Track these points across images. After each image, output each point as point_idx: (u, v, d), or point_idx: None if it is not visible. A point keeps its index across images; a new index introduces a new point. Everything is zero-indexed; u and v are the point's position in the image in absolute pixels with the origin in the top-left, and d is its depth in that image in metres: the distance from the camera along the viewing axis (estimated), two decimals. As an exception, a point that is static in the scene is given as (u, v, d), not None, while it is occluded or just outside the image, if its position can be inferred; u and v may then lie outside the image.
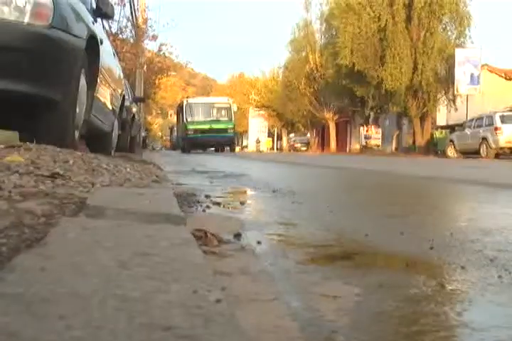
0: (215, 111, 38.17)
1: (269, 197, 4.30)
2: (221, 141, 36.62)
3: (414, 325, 1.32)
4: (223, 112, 38.23)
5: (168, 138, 78.66)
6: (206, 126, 36.14)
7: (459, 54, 31.58)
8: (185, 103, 38.48)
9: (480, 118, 25.21)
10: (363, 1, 33.19)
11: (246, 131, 73.08)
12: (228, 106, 38.66)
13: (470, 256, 2.09)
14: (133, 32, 28.00)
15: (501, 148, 23.40)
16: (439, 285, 1.66)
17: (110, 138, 8.83)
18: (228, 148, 38.87)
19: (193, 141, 36.13)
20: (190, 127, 36.24)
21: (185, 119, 37.15)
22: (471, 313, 1.43)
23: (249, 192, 4.86)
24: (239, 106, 54.36)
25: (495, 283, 1.70)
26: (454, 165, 13.30)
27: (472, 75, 31.25)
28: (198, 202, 3.70)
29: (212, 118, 37.32)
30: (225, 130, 36.75)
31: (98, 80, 6.11)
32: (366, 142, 41.48)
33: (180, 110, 40.56)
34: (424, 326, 1.31)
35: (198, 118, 37.05)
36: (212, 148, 40.57)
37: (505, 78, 35.24)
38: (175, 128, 57.48)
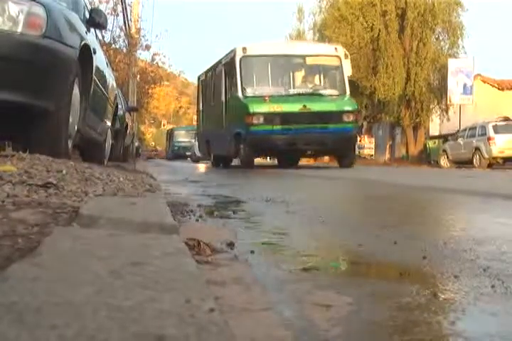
0: (308, 72, 18.42)
1: (262, 207, 4.30)
2: (330, 142, 15.90)
3: (407, 334, 1.32)
4: (328, 77, 18.42)
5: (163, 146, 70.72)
6: (294, 107, 16.11)
7: (452, 64, 31.69)
8: (238, 54, 17.40)
9: (473, 128, 25.29)
10: (355, 11, 33.29)
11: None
12: (337, 63, 17.86)
13: (463, 265, 2.09)
14: (126, 42, 28.00)
15: (494, 158, 23.48)
16: (432, 294, 1.66)
17: (103, 147, 8.82)
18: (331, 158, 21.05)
19: (266, 141, 15.85)
20: (257, 109, 16.04)
21: (240, 92, 16.87)
22: (464, 322, 1.43)
23: (242, 201, 4.86)
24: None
25: (488, 293, 1.70)
26: (448, 174, 13.31)
27: (465, 85, 31.34)
28: (191, 211, 3.70)
29: (305, 90, 17.45)
30: (336, 116, 16.24)
31: (91, 90, 6.11)
32: (359, 152, 41.52)
33: (219, 73, 19.73)
34: (417, 335, 1.31)
35: (274, 90, 17.26)
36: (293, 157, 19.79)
37: (498, 88, 35.35)
38: (175, 133, 51.57)
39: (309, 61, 18.10)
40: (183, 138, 47.88)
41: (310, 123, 15.76)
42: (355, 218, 3.92)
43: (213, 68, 21.05)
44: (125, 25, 27.72)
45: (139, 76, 30.88)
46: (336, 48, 18.40)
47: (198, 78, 24.04)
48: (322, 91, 17.38)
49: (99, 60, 6.97)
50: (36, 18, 4.49)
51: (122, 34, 28.15)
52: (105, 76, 7.75)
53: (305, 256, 2.26)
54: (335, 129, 15.87)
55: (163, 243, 1.57)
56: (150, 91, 37.00)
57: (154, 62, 34.37)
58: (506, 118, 25.43)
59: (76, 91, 5.26)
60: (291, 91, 17.38)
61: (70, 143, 5.32)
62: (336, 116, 16.08)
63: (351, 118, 16.38)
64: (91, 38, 6.21)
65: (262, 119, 15.76)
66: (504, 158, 23.38)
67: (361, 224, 3.51)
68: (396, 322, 1.41)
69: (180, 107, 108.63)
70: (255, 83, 17.52)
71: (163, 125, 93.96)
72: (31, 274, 1.07)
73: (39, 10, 4.50)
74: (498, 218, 3.78)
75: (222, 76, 19.27)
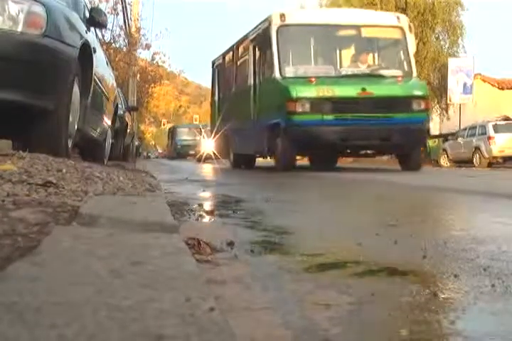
0: (364, 47, 14.59)
1: (260, 206, 4.30)
2: (395, 136, 12.33)
3: (407, 334, 1.32)
4: (389, 53, 14.93)
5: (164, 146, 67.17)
6: (350, 91, 12.50)
7: (452, 63, 31.67)
8: (275, 23, 13.46)
9: (473, 127, 25.29)
10: (356, 10, 33.18)
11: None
12: (400, 36, 14.05)
13: (463, 264, 2.09)
14: (126, 41, 28.00)
15: (494, 157, 23.48)
16: (432, 293, 1.66)
17: (103, 146, 8.82)
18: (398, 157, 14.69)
19: (313, 135, 12.14)
20: (302, 93, 12.33)
21: (277, 72, 13.15)
22: (464, 322, 1.43)
23: (241, 200, 4.85)
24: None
25: (488, 292, 1.70)
26: (448, 174, 13.30)
27: (465, 84, 31.32)
28: (191, 210, 3.70)
29: (361, 69, 13.88)
30: (404, 103, 12.58)
31: (91, 89, 6.11)
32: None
33: (244, 52, 16.32)
34: (417, 334, 1.31)
35: (321, 70, 13.76)
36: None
37: (498, 88, 35.32)
38: (178, 130, 49.26)
39: (365, 33, 14.05)
40: (186, 136, 45.96)
41: (371, 113, 12.12)
42: (355, 218, 3.91)
43: (235, 47, 17.03)
44: (125, 24, 27.75)
45: (139, 75, 30.88)
46: (398, 17, 14.31)
47: (212, 64, 19.97)
48: (383, 72, 13.56)
49: (99, 59, 6.96)
50: (36, 17, 4.49)
51: (122, 33, 28.17)
52: (105, 75, 7.75)
53: (305, 256, 2.26)
54: (402, 120, 12.17)
55: (163, 242, 1.57)
56: (150, 90, 36.94)
57: (154, 62, 34.38)
58: (506, 118, 25.43)
59: (76, 90, 5.26)
60: (344, 70, 13.60)
61: (69, 143, 5.31)
62: (403, 103, 12.35)
63: (422, 105, 12.68)
64: (91, 37, 6.20)
65: (308, 106, 12.05)
66: (504, 158, 23.37)
67: (361, 223, 3.51)
68: (396, 321, 1.41)
69: (180, 106, 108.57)
70: (297, 60, 13.78)
71: (163, 124, 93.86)
72: (31, 273, 1.07)
73: (39, 9, 4.50)
74: (498, 217, 3.78)
75: (249, 55, 15.36)
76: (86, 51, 5.41)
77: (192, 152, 39.30)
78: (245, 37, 15.93)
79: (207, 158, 28.17)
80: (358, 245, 2.48)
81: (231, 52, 17.63)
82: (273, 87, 13.32)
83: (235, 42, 17.11)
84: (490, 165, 23.31)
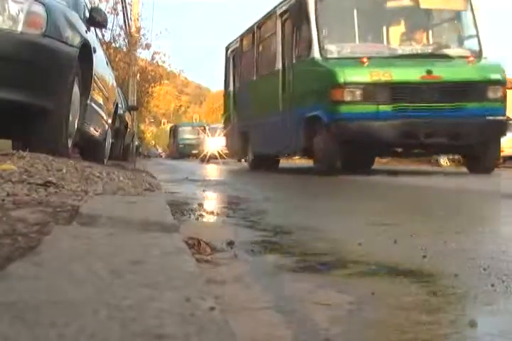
0: (423, 22, 11.85)
1: (261, 205, 4.30)
2: (467, 132, 9.66)
3: (407, 333, 1.32)
4: (454, 29, 11.77)
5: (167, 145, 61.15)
6: (412, 74, 9.82)
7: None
8: None
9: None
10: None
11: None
12: (466, 8, 11.05)
13: (463, 264, 2.09)
14: (126, 40, 28.00)
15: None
16: (432, 293, 1.66)
17: (103, 146, 8.82)
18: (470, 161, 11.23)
19: (366, 131, 9.53)
20: (351, 77, 9.74)
21: (317, 52, 10.44)
22: (464, 321, 1.43)
23: (242, 199, 4.85)
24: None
25: (488, 292, 1.70)
26: (448, 173, 13.33)
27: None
28: (191, 210, 3.70)
29: (422, 48, 11.03)
30: (478, 89, 9.81)
31: (91, 89, 6.11)
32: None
33: (270, 31, 13.45)
34: (417, 334, 1.31)
35: (372, 48, 10.76)
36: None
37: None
38: (180, 129, 47.02)
39: (424, 3, 11.12)
40: (188, 135, 44.52)
41: (437, 102, 9.67)
42: (356, 217, 3.91)
43: (256, 27, 14.37)
44: (125, 24, 27.74)
45: (138, 75, 30.86)
46: None
47: (226, 50, 17.19)
48: (448, 51, 10.83)
49: (99, 58, 6.97)
50: (36, 17, 4.49)
51: (122, 33, 28.17)
52: (105, 75, 7.75)
53: (305, 255, 2.26)
54: (476, 111, 9.73)
55: (163, 242, 1.57)
56: (150, 90, 36.91)
57: (154, 61, 34.37)
58: (507, 118, 25.38)
59: (76, 90, 5.26)
60: (400, 49, 10.77)
61: (69, 142, 5.31)
62: (477, 89, 9.79)
63: (499, 93, 10.02)
64: (91, 36, 6.20)
65: (359, 94, 9.57)
66: (504, 157, 23.34)
67: (362, 223, 3.51)
68: (396, 321, 1.41)
69: (180, 106, 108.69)
70: (340, 37, 11.15)
71: (163, 124, 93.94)
72: (31, 273, 1.07)
73: (39, 9, 4.50)
74: (499, 217, 3.78)
75: (277, 33, 12.66)
76: (86, 51, 5.41)
77: (195, 151, 38.07)
78: (271, 12, 13.05)
79: (211, 158, 27.26)
80: (358, 245, 2.47)
81: (251, 34, 14.84)
82: (311, 71, 10.69)
83: (257, 20, 14.43)
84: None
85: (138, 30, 28.58)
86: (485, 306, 1.56)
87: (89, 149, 8.11)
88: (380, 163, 15.80)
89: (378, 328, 1.36)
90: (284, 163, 15.20)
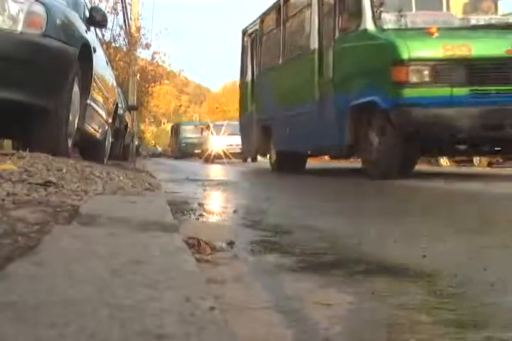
0: None
1: (261, 205, 4.30)
2: None
3: (407, 333, 1.32)
4: None
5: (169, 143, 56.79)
6: (495, 48, 7.59)
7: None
8: None
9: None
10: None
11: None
12: None
13: (463, 264, 2.09)
14: (126, 40, 27.99)
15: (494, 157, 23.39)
16: (432, 292, 1.66)
17: (103, 146, 8.83)
18: None
19: (438, 121, 7.43)
20: (417, 52, 7.62)
21: (370, 21, 8.38)
22: (464, 321, 1.43)
23: (242, 199, 4.86)
24: (232, 114, 53.46)
25: (487, 291, 1.70)
26: (449, 173, 13.31)
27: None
28: (191, 209, 3.70)
29: (501, 18, 8.92)
30: None
31: (91, 88, 6.11)
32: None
33: (303, 4, 11.31)
34: (417, 334, 1.31)
35: (440, 18, 8.74)
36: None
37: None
38: (182, 128, 44.68)
39: None
40: (191, 133, 42.08)
41: None
42: (356, 216, 3.91)
43: (283, 2, 12.20)
44: (125, 24, 27.73)
45: (138, 75, 30.85)
46: None
47: (243, 33, 15.11)
48: None
49: (99, 58, 6.97)
50: (36, 17, 4.49)
51: (122, 33, 28.17)
52: (105, 75, 7.75)
53: (305, 255, 2.26)
54: None
55: (163, 241, 1.57)
56: (150, 89, 36.85)
57: (154, 61, 34.36)
58: None
59: (76, 89, 5.26)
60: (473, 19, 8.66)
61: (69, 142, 5.32)
62: None
63: None
64: (91, 36, 6.20)
65: (428, 73, 7.65)
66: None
67: (362, 223, 3.51)
68: (396, 320, 1.41)
69: (180, 106, 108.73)
70: (395, 5, 8.92)
71: (163, 123, 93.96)
72: (31, 273, 1.07)
73: (39, 8, 4.50)
74: (499, 216, 3.78)
75: (312, 5, 10.58)
76: (86, 51, 5.41)
77: (197, 151, 36.33)
78: None
79: (216, 158, 25.70)
80: (358, 244, 2.47)
81: (275, 12, 12.77)
82: (362, 47, 8.70)
83: None
84: (490, 164, 23.28)
85: (138, 29, 28.57)
86: (485, 305, 1.56)
87: (89, 149, 8.11)
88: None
89: (378, 328, 1.36)
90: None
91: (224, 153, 25.56)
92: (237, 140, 24.92)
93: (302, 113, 10.65)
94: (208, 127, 31.89)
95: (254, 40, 14.37)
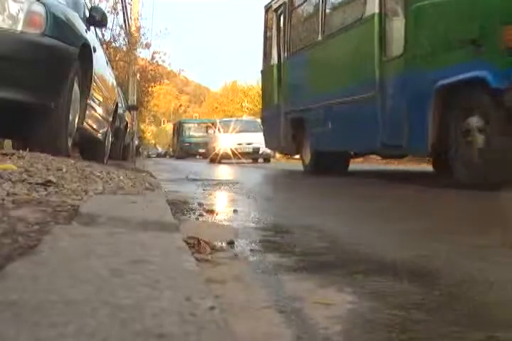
0: None
1: (262, 205, 4.30)
2: None
3: (407, 333, 1.32)
4: None
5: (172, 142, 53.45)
6: None
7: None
8: None
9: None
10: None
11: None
12: None
13: (463, 263, 2.09)
14: (126, 40, 27.99)
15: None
16: (432, 293, 1.66)
17: (103, 146, 8.83)
18: None
19: None
20: None
21: None
22: (464, 321, 1.43)
23: (242, 199, 4.85)
24: (232, 114, 53.40)
25: (487, 291, 1.70)
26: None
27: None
28: (191, 209, 3.70)
29: None
30: None
31: (91, 88, 6.11)
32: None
33: None
34: (417, 333, 1.31)
35: None
36: None
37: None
38: (185, 126, 42.73)
39: None
40: (195, 132, 41.30)
41: None
42: (355, 215, 3.91)
43: None
44: (125, 24, 27.73)
45: (138, 74, 30.84)
46: None
47: (266, 11, 12.99)
48: None
49: (99, 58, 6.97)
50: (36, 17, 4.49)
51: (122, 32, 28.15)
52: (105, 74, 7.75)
53: (305, 255, 2.26)
54: None
55: (163, 241, 1.57)
56: (150, 89, 36.80)
57: (154, 61, 34.35)
58: None
59: (76, 89, 5.27)
60: None
61: (69, 141, 5.32)
62: None
63: None
64: (91, 36, 6.21)
65: None
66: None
67: (362, 222, 3.51)
68: (396, 320, 1.41)
69: (180, 105, 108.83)
70: None
71: (163, 123, 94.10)
72: (31, 272, 1.07)
73: (39, 8, 4.50)
74: (499, 215, 3.78)
75: None
76: (86, 50, 5.42)
77: (201, 150, 35.39)
78: None
79: (223, 158, 23.32)
80: (358, 244, 2.47)
81: None
82: (454, 3, 6.41)
83: None
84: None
85: (138, 29, 28.57)
86: (485, 305, 1.56)
87: (89, 148, 8.12)
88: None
89: (378, 327, 1.36)
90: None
91: (232, 152, 23.62)
92: (247, 138, 23.91)
93: (353, 101, 8.42)
94: (214, 124, 29.71)
95: (280, 16, 12.05)
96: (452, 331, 1.34)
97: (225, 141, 24.45)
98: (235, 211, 3.81)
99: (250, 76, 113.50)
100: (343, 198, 5.57)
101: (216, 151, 23.99)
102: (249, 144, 24.11)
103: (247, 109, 61.75)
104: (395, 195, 5.84)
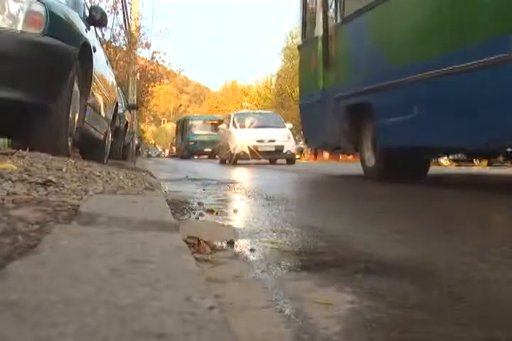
0: None
1: (262, 205, 4.29)
2: None
3: (406, 333, 1.32)
4: None
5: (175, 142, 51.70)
6: None
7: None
8: None
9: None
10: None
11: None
12: None
13: (463, 263, 2.09)
14: (126, 40, 27.99)
15: (494, 157, 23.31)
16: (432, 293, 1.66)
17: (103, 145, 8.83)
18: None
19: None
20: None
21: None
22: (464, 321, 1.43)
23: (242, 199, 4.85)
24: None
25: (487, 290, 1.70)
26: (450, 173, 13.31)
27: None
28: (191, 209, 3.70)
29: None
30: None
31: (91, 88, 6.11)
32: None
33: None
34: (416, 333, 1.31)
35: None
36: None
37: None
38: (190, 123, 39.47)
39: None
40: (200, 130, 38.52)
41: None
42: (355, 215, 3.91)
43: None
44: (125, 23, 27.74)
45: (138, 74, 30.83)
46: None
47: None
48: None
49: (99, 58, 6.97)
50: (36, 16, 4.49)
51: (122, 32, 28.16)
52: (105, 74, 7.75)
53: (305, 255, 2.26)
54: None
55: (162, 241, 1.57)
56: (150, 89, 36.76)
57: (154, 60, 34.34)
58: None
59: (76, 89, 5.27)
60: None
61: (69, 141, 5.32)
62: None
63: None
64: (91, 35, 6.21)
65: None
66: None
67: (362, 222, 3.50)
68: (395, 320, 1.40)
69: (180, 105, 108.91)
70: None
71: (163, 122, 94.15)
72: (31, 272, 1.07)
73: (39, 8, 4.51)
74: (499, 215, 3.78)
75: None
76: (86, 50, 5.42)
77: (207, 149, 33.53)
78: None
79: (240, 158, 19.61)
80: (358, 244, 2.47)
81: None
82: None
83: None
84: (490, 164, 23.27)
85: (138, 29, 28.57)
86: (484, 305, 1.56)
87: (89, 148, 8.12)
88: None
89: (378, 327, 1.36)
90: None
91: (251, 151, 19.55)
92: (269, 134, 20.02)
93: (465, 71, 5.62)
94: (220, 121, 25.70)
95: None
96: (452, 331, 1.34)
97: (242, 138, 20.13)
98: (234, 211, 3.81)
99: (249, 75, 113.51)
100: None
101: (231, 149, 20.00)
102: (271, 141, 20.11)
103: (247, 108, 61.83)
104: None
